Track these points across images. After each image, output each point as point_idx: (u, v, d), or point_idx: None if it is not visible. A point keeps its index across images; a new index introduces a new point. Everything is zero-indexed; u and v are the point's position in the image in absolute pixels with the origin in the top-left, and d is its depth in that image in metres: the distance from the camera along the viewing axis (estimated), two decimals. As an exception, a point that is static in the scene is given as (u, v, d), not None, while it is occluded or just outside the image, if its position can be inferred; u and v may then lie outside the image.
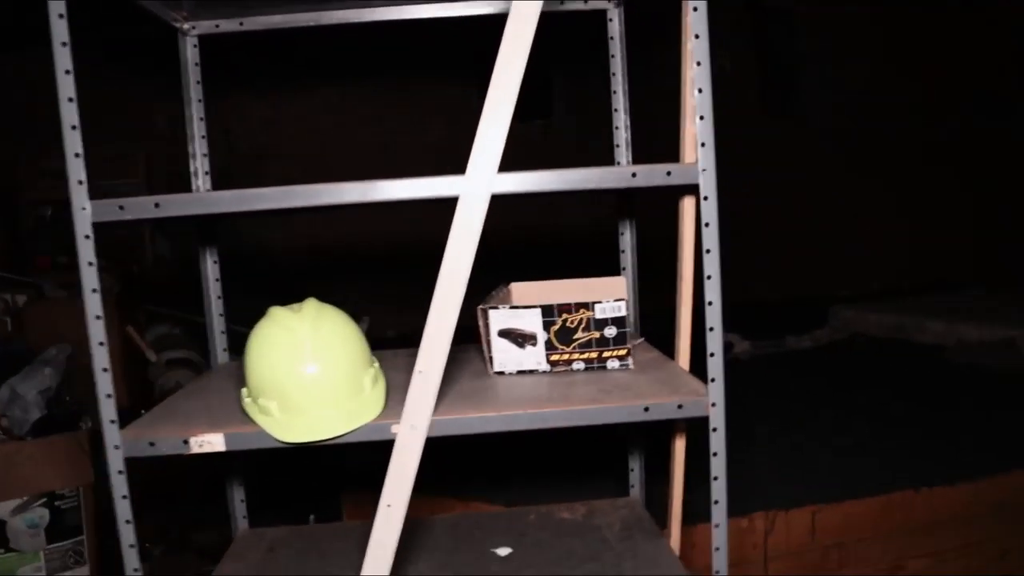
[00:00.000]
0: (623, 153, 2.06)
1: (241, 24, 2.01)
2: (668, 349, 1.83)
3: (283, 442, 1.45)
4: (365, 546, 1.46)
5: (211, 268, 2.07)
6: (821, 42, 7.08)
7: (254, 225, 5.43)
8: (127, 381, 4.21)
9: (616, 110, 2.05)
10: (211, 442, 1.47)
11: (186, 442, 1.47)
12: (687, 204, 1.65)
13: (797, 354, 4.75)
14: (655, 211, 2.11)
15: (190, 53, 2.02)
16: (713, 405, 1.48)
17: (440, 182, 1.42)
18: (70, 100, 1.43)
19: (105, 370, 1.48)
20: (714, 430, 1.49)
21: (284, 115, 6.44)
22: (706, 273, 1.47)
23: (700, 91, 1.48)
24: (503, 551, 1.91)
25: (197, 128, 2.03)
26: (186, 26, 1.99)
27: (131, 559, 1.52)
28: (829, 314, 5.21)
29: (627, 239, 2.06)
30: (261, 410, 1.47)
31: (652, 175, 1.47)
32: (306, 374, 1.44)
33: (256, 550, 2.01)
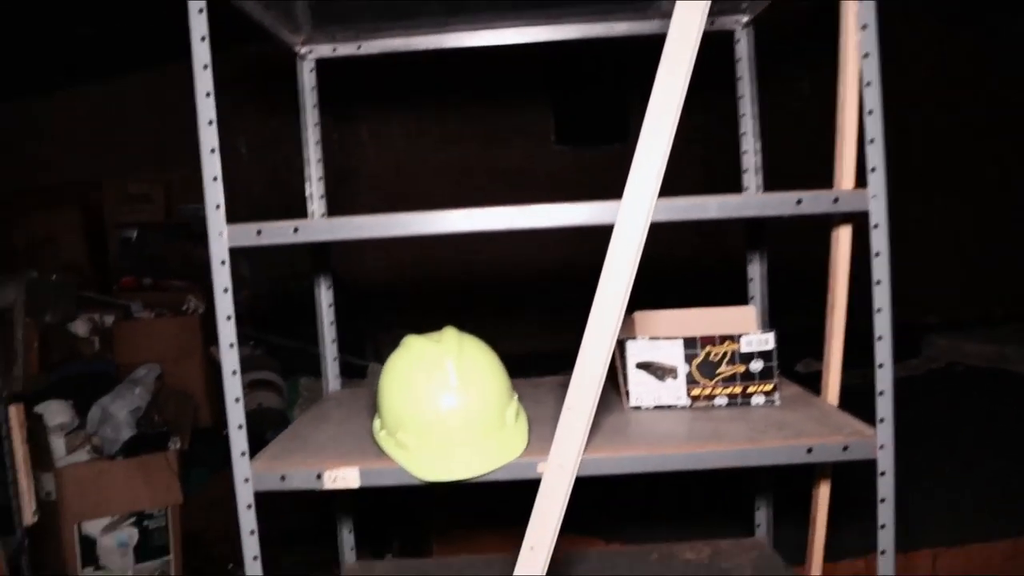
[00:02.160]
0: (752, 178, 1.96)
1: (359, 48, 1.96)
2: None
3: (423, 481, 1.37)
4: None
5: (324, 294, 2.02)
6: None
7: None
8: (210, 401, 4.21)
9: (744, 134, 1.95)
10: (345, 477, 1.40)
11: (319, 477, 1.41)
12: (843, 232, 1.55)
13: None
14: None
15: (307, 77, 1.97)
16: (881, 447, 1.38)
17: (598, 208, 1.34)
18: (210, 123, 1.39)
19: (237, 400, 1.42)
20: (882, 474, 1.38)
21: (359, 138, 6.45)
22: (876, 306, 1.37)
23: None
24: (629, 594, 1.82)
25: (313, 152, 1.99)
26: (304, 50, 1.96)
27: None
28: (923, 343, 5.01)
29: (756, 267, 1.95)
30: (398, 444, 1.41)
31: (818, 202, 1.37)
32: (449, 408, 1.37)
33: (367, 585, 1.95)
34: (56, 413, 3.41)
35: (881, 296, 1.37)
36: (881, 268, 1.37)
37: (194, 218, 4.89)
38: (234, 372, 1.42)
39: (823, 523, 1.75)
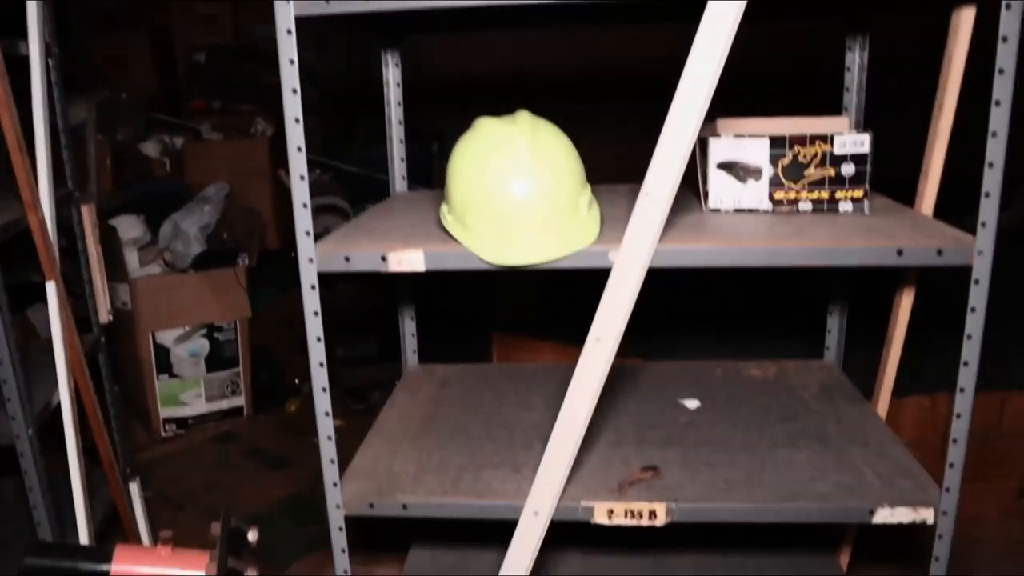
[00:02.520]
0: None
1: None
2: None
3: (491, 264, 1.33)
4: (539, 385, 1.35)
5: (394, 91, 1.94)
6: None
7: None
8: (278, 223, 4.24)
9: None
10: (410, 260, 1.37)
11: (384, 258, 1.37)
12: (964, 15, 1.40)
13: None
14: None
15: None
16: (980, 254, 1.28)
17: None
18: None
19: (308, 233, 1.37)
20: (976, 282, 1.29)
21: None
22: (994, 98, 1.25)
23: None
24: (691, 403, 1.79)
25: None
26: None
27: (319, 377, 1.45)
28: (1013, 195, 4.75)
29: (855, 74, 1.81)
30: (466, 228, 1.36)
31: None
32: (520, 191, 1.31)
33: (428, 384, 1.96)
34: (129, 227, 3.47)
35: (1003, 89, 1.24)
36: (1008, 57, 1.23)
37: (263, 40, 4.79)
38: (304, 205, 1.37)
39: (899, 342, 1.68)
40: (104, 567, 1.32)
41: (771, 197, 1.54)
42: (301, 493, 2.92)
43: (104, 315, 2.38)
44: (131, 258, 3.41)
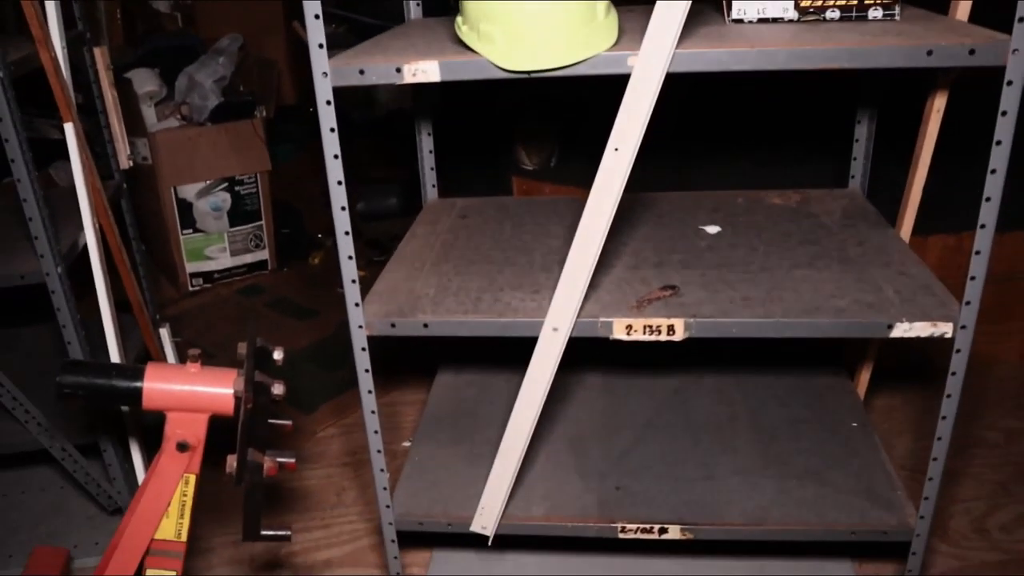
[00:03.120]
0: None
1: None
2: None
3: (506, 70, 1.30)
4: (558, 215, 1.34)
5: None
6: None
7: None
8: (293, 78, 4.17)
9: None
10: (425, 70, 1.34)
11: (399, 70, 1.34)
12: None
13: None
14: None
15: None
16: (1015, 52, 1.23)
17: None
18: None
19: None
20: (1008, 84, 1.24)
21: None
22: None
23: None
24: (712, 229, 1.78)
25: None
26: None
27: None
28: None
29: None
30: (481, 37, 1.32)
31: None
32: (536, -5, 1.27)
33: (448, 215, 1.96)
34: (145, 80, 3.42)
35: None
36: None
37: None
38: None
39: (927, 160, 1.65)
40: (136, 384, 1.36)
41: (796, 5, 1.48)
42: (326, 340, 2.98)
43: (124, 160, 2.37)
44: (148, 113, 3.38)
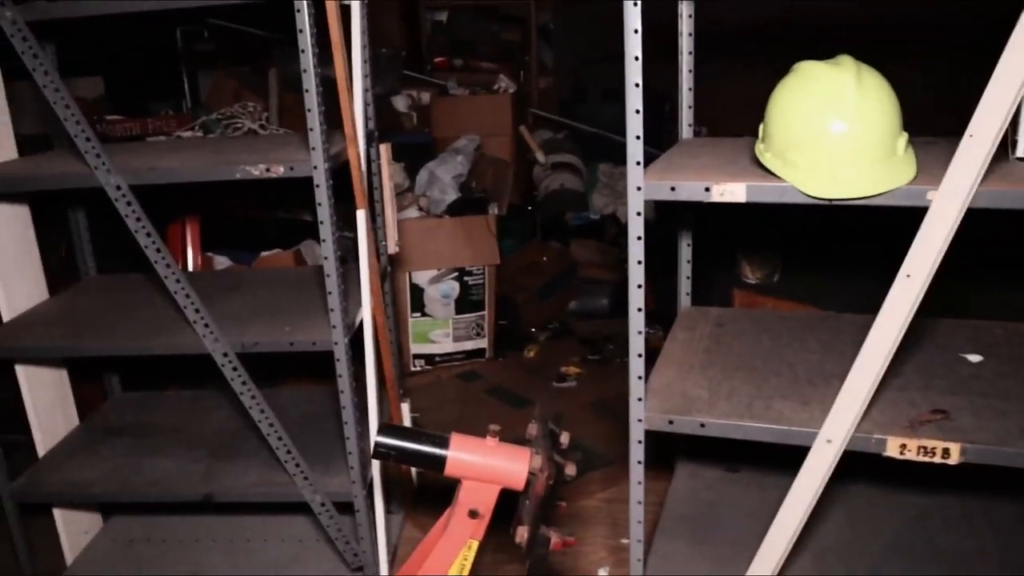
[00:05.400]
0: None
1: None
2: None
3: (811, 197, 1.42)
4: (813, 329, 1.37)
5: (686, 42, 2.03)
6: None
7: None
8: (515, 179, 4.45)
9: None
10: (733, 191, 1.48)
11: (708, 189, 1.49)
12: None
13: None
14: None
15: None
16: None
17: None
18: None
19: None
20: None
21: None
22: None
23: None
24: (974, 358, 1.80)
25: None
26: None
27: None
28: None
29: None
30: (786, 164, 1.45)
31: None
32: (843, 129, 1.39)
33: (704, 323, 2.06)
34: (393, 173, 3.76)
35: None
36: None
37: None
38: (638, 136, 1.52)
39: None
40: (443, 452, 1.52)
41: (1091, 150, 1.52)
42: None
43: (392, 246, 2.64)
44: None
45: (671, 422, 1.61)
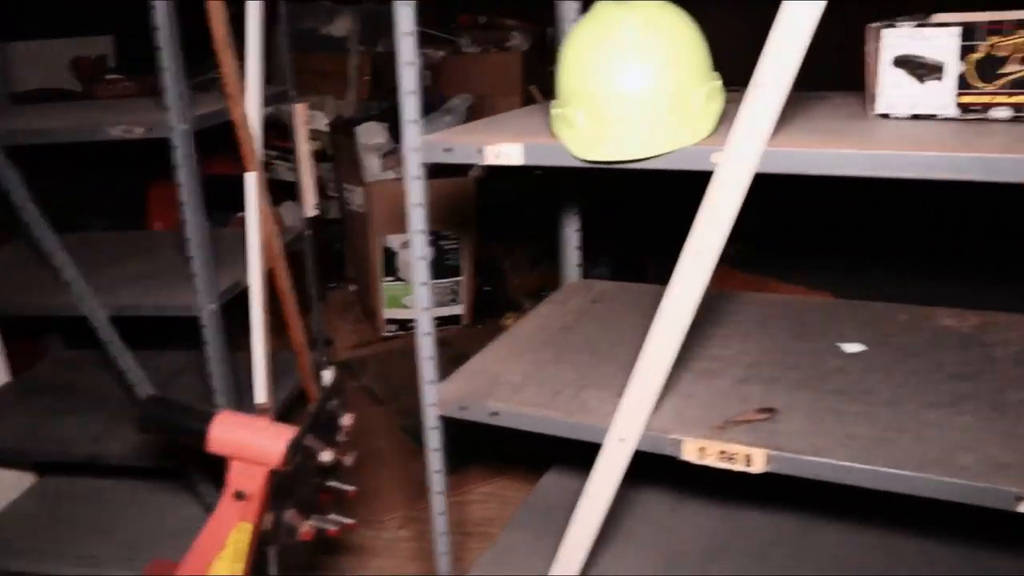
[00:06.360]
0: None
1: None
2: None
3: (581, 159, 1.21)
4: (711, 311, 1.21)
5: None
6: None
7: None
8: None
9: None
10: (509, 153, 1.29)
11: (480, 151, 1.30)
12: None
13: None
14: None
15: None
16: None
17: None
18: None
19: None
20: None
21: None
22: None
23: None
24: (852, 348, 1.55)
25: None
26: None
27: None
28: None
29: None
30: (565, 121, 1.25)
31: None
32: (622, 81, 1.17)
33: (581, 298, 1.87)
34: (373, 134, 3.64)
35: None
36: None
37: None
38: (412, 92, 1.32)
39: None
40: (202, 426, 1.40)
41: (957, 101, 1.26)
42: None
43: (309, 209, 2.52)
44: (372, 164, 3.58)
45: (463, 407, 1.44)
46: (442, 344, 1.51)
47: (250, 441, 1.39)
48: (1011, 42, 1.20)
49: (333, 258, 3.99)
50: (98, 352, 2.82)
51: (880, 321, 1.65)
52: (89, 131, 1.97)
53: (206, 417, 1.41)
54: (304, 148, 2.50)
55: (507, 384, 1.48)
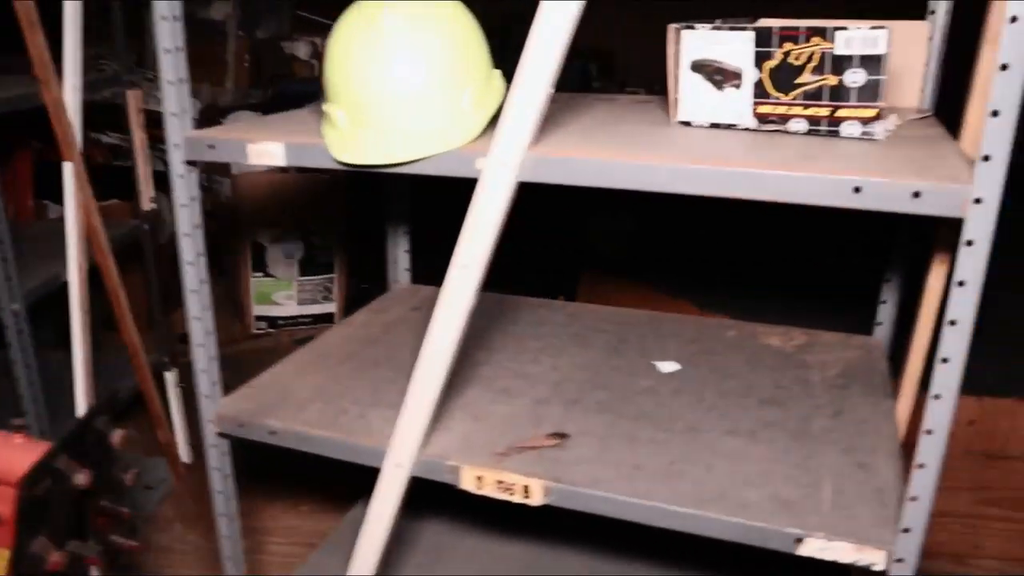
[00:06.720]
0: None
1: None
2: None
3: (339, 162, 1.10)
4: (526, 322, 1.12)
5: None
6: None
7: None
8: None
9: None
10: (272, 152, 1.17)
11: (243, 149, 1.18)
12: None
13: None
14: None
15: None
16: (978, 202, 0.89)
17: None
18: None
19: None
20: (968, 244, 0.90)
21: None
22: None
23: None
24: (667, 367, 1.47)
25: None
26: None
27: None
28: None
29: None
30: (330, 122, 1.13)
31: None
32: (381, 80, 1.07)
33: (402, 306, 1.76)
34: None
35: None
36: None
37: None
38: (171, 81, 1.19)
39: (929, 321, 1.27)
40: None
41: (754, 111, 1.18)
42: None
43: (146, 202, 2.36)
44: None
45: (241, 425, 1.32)
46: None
47: (-7, 461, 1.24)
48: (805, 50, 1.13)
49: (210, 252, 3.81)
50: None
51: (705, 338, 1.58)
52: None
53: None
54: (140, 137, 2.34)
55: (294, 401, 1.37)
